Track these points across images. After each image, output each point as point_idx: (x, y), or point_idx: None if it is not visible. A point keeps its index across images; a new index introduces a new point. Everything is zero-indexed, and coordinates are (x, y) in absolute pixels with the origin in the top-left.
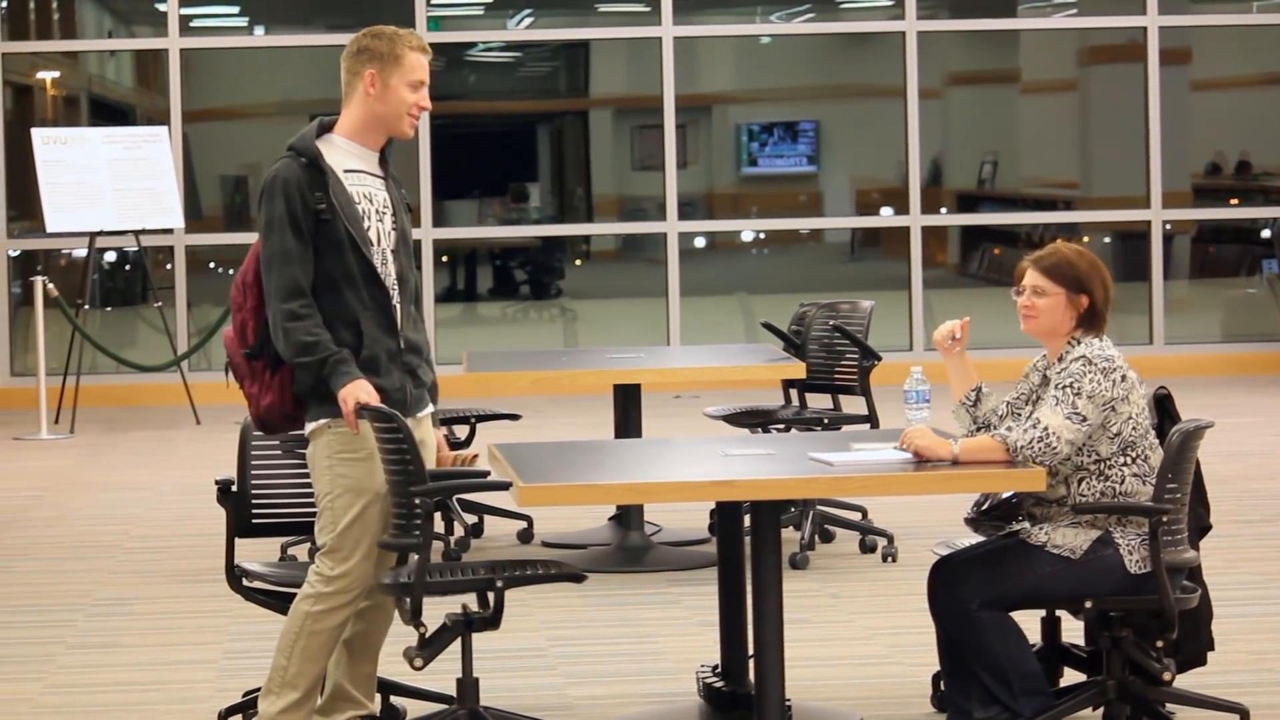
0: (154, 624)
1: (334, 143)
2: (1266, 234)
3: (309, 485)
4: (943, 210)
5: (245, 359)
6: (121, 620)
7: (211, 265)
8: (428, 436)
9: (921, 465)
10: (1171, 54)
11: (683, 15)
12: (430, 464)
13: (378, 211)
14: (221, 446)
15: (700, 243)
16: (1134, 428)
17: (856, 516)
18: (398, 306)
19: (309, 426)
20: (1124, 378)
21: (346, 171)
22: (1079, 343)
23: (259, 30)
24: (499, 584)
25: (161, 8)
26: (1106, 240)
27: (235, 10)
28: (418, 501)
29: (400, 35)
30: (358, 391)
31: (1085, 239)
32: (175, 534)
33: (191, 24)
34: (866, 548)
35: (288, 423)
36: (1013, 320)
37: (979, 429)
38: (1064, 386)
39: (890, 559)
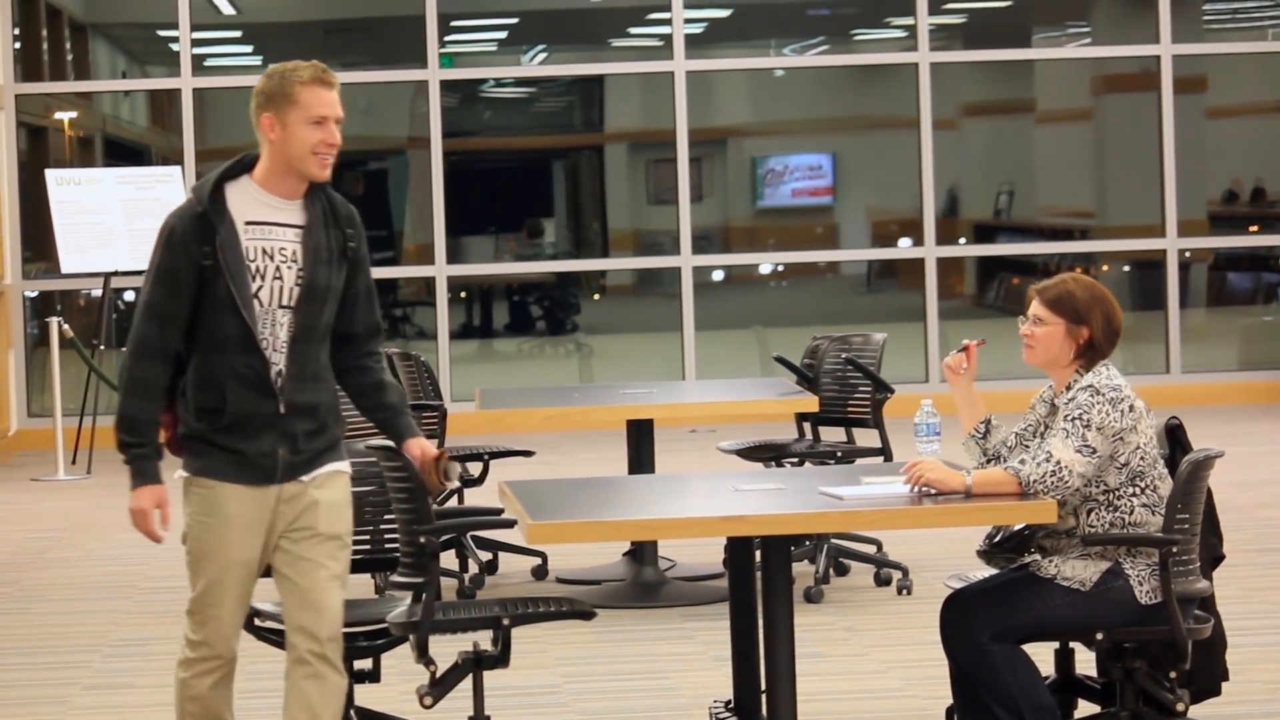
0: (169, 665)
1: (246, 189)
2: None
3: None
4: (960, 241)
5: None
6: (137, 661)
7: None
8: (327, 495)
9: (932, 498)
10: (1186, 82)
11: (696, 49)
12: (333, 523)
13: (277, 267)
14: None
15: (718, 276)
16: (1142, 458)
17: (871, 550)
18: (280, 370)
19: (179, 474)
20: (1131, 408)
21: (248, 223)
22: (1084, 373)
23: None
24: (506, 621)
25: (175, 48)
26: (1126, 269)
27: (249, 49)
28: (423, 540)
29: (291, 70)
30: (144, 502)
31: (1105, 268)
32: None
33: (205, 63)
34: (881, 581)
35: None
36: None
37: (989, 461)
38: (1073, 418)
39: (905, 592)
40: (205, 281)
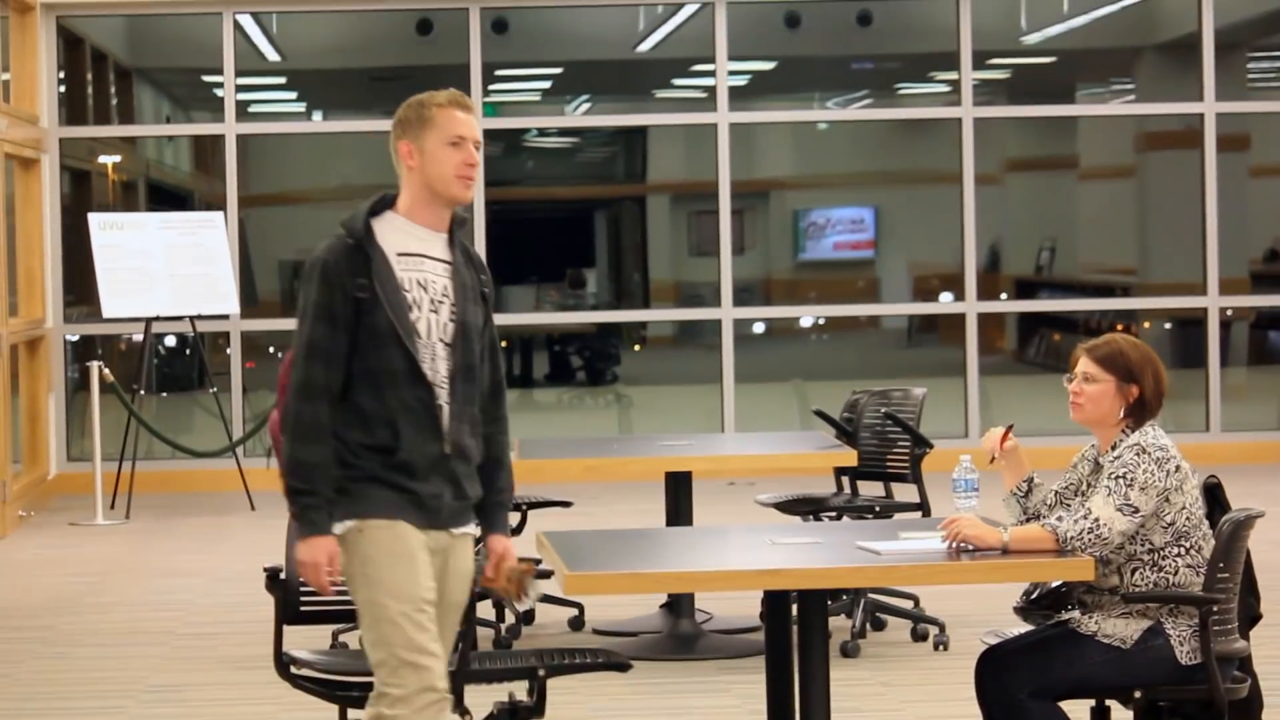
0: (206, 711)
1: (392, 222)
2: None
3: None
4: (1003, 296)
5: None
6: (174, 707)
7: (271, 350)
8: (461, 562)
9: (969, 554)
10: (1229, 140)
11: (739, 101)
12: (461, 590)
13: (432, 300)
14: (276, 533)
15: (759, 329)
16: (1188, 518)
17: (908, 604)
18: (444, 407)
19: (339, 527)
20: (1178, 468)
21: (400, 255)
22: (1131, 431)
23: (316, 115)
24: (542, 672)
25: (219, 93)
26: (1167, 326)
27: (293, 96)
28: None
29: (427, 97)
30: (317, 555)
31: (1147, 324)
32: (228, 620)
33: (249, 109)
34: (918, 636)
35: None
36: (1068, 407)
37: (1028, 519)
38: (1118, 477)
39: (942, 647)
40: (362, 314)
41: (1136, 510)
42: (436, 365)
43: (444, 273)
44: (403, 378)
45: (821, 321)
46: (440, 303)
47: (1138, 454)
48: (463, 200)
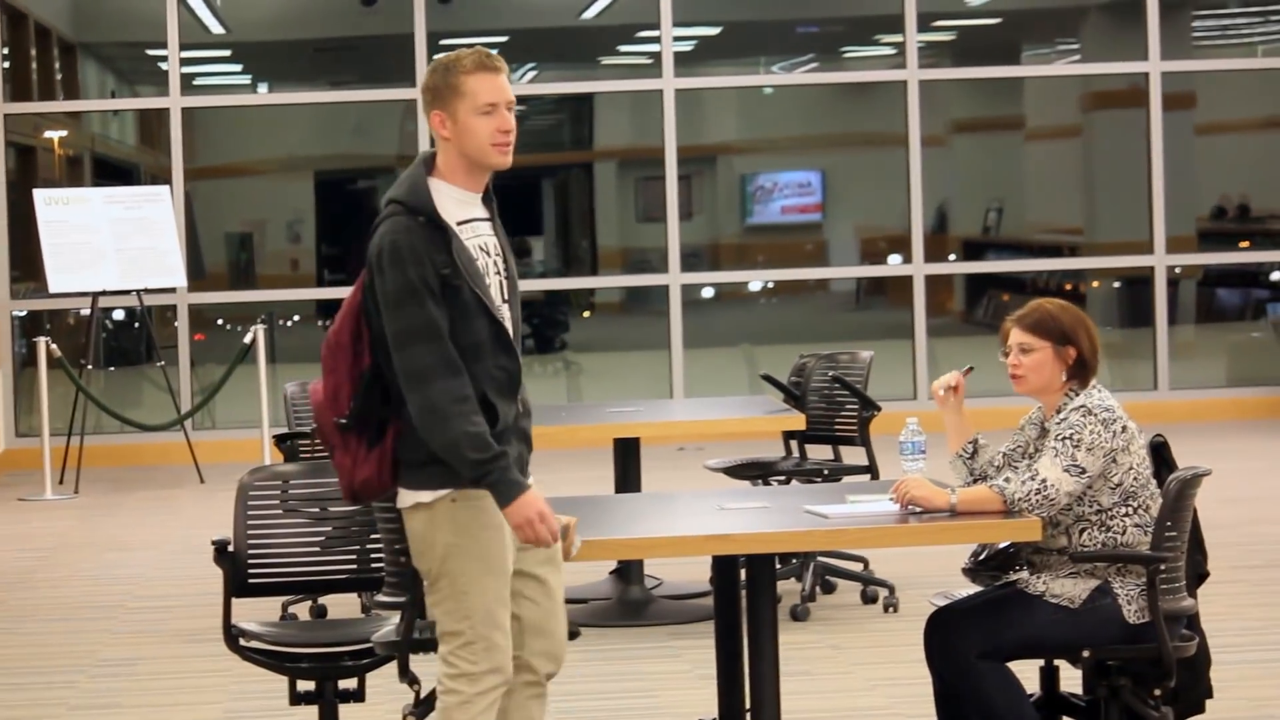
0: (156, 684)
1: (442, 191)
2: (1276, 276)
3: (308, 543)
4: (950, 258)
5: (337, 428)
6: (124, 681)
7: (219, 322)
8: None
9: (917, 516)
10: (1175, 99)
11: (685, 67)
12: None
13: (495, 264)
14: (225, 505)
15: (707, 293)
16: (1135, 478)
17: (858, 567)
18: (521, 370)
19: (426, 497)
20: (1124, 428)
21: (460, 224)
22: (1076, 394)
23: (262, 88)
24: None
25: (164, 67)
26: (1116, 285)
27: (238, 69)
28: (403, 560)
29: (454, 61)
30: (540, 504)
31: (1096, 284)
32: (178, 594)
33: (194, 82)
34: (868, 598)
35: (379, 498)
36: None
37: (975, 480)
38: (1064, 438)
39: (892, 609)
40: (446, 291)
41: (1084, 471)
42: (511, 328)
43: (489, 230)
44: (489, 347)
45: (770, 285)
46: (497, 263)
47: (1083, 415)
48: (502, 167)
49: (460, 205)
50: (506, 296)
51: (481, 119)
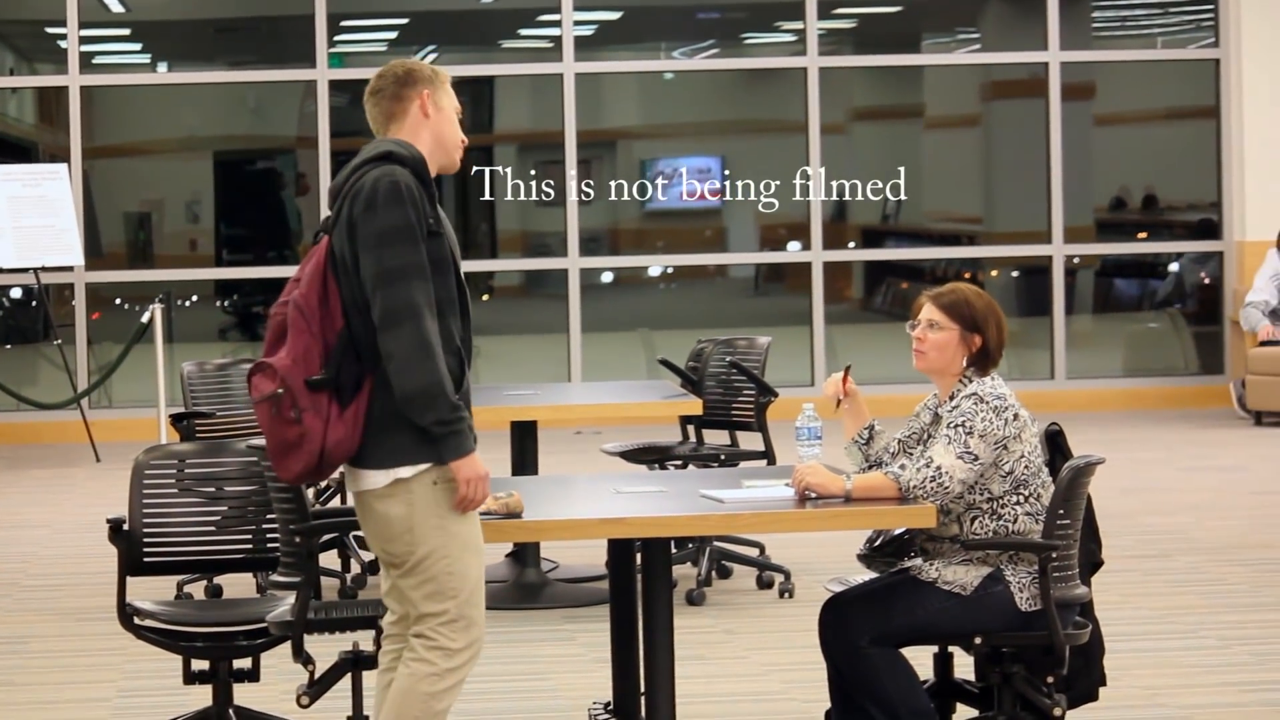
0: (49, 663)
1: None
2: (1174, 268)
3: (202, 522)
4: (850, 245)
5: (308, 388)
6: (17, 659)
7: (117, 301)
8: None
9: (813, 502)
10: (1075, 89)
11: (585, 51)
12: None
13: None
14: (121, 484)
15: (607, 278)
16: (1026, 466)
17: (754, 553)
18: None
19: (405, 471)
20: (1016, 416)
21: None
22: (970, 381)
23: (161, 67)
24: (380, 621)
25: (63, 45)
26: (1014, 274)
27: (137, 47)
28: (299, 539)
29: (433, 66)
30: (486, 471)
31: (994, 273)
32: (72, 572)
33: (93, 61)
34: (763, 584)
35: (343, 463)
36: (911, 355)
37: (871, 467)
38: (956, 425)
39: (787, 595)
40: (431, 240)
41: (976, 458)
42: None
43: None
44: (458, 307)
45: (669, 271)
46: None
47: (975, 403)
48: (454, 169)
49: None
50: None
51: (455, 120)
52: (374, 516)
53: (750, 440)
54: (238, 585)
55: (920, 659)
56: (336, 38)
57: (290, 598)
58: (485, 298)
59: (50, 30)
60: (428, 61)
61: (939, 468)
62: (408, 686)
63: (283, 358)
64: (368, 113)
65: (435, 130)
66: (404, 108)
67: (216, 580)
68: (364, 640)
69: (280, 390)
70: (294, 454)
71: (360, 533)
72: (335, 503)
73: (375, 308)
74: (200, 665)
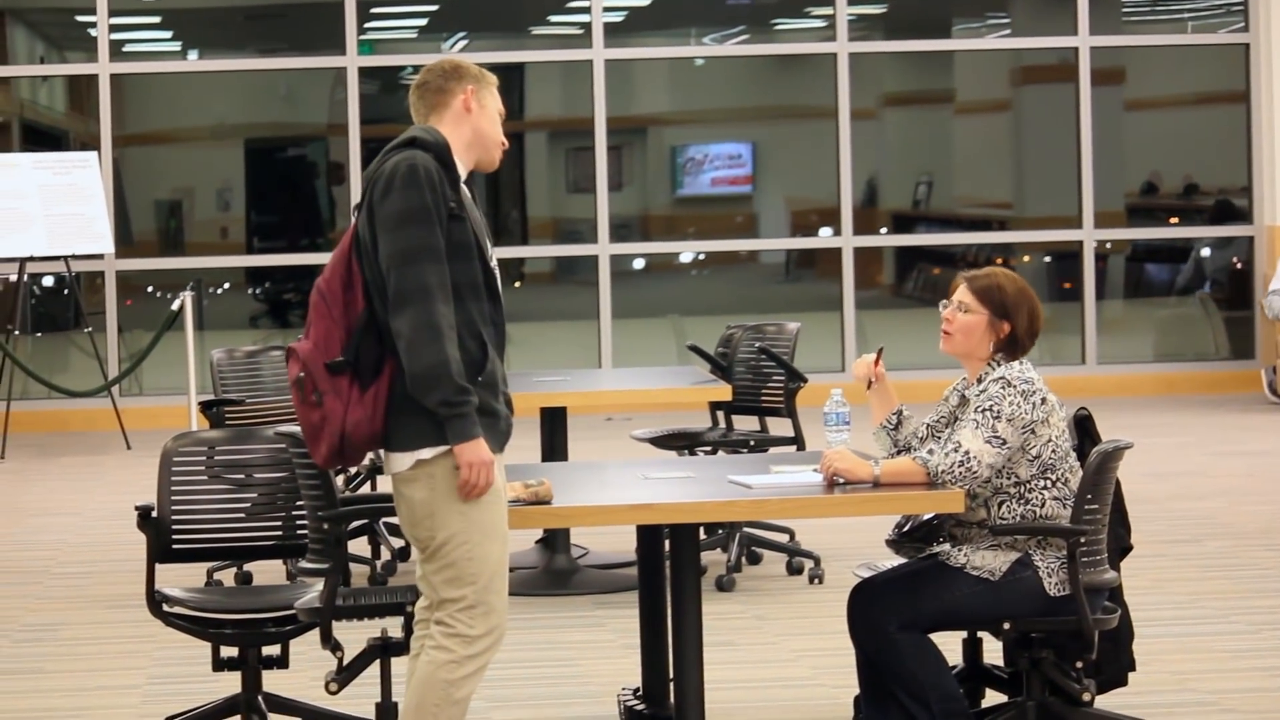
0: (79, 650)
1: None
2: (1206, 253)
3: (231, 509)
4: (882, 231)
5: (328, 371)
6: (47, 646)
7: (149, 289)
8: (503, 475)
9: (841, 487)
10: (1105, 74)
11: (616, 38)
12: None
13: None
14: (151, 472)
15: (638, 264)
16: (1054, 450)
17: (784, 538)
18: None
19: (427, 453)
20: (1044, 400)
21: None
22: (998, 365)
23: (192, 55)
24: (409, 608)
25: (93, 33)
26: (1046, 259)
27: (168, 35)
28: (327, 526)
29: (484, 71)
30: (490, 459)
31: (1026, 258)
32: (103, 559)
33: (124, 49)
34: (793, 570)
35: (369, 447)
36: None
37: (899, 451)
38: (983, 409)
39: (817, 581)
40: (452, 226)
41: (1004, 442)
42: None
43: (473, 205)
44: (483, 291)
45: (700, 257)
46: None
47: (1003, 387)
48: (491, 167)
49: (461, 169)
50: (493, 263)
51: (498, 119)
52: (401, 500)
53: (780, 426)
54: (268, 572)
55: (949, 644)
56: (367, 25)
57: (319, 584)
58: (517, 285)
59: (80, 18)
60: (459, 50)
61: (967, 452)
62: (428, 674)
63: (304, 342)
64: (411, 105)
65: (476, 126)
66: (446, 100)
67: (246, 567)
68: (393, 627)
69: (302, 374)
70: (319, 437)
71: (390, 519)
72: (366, 489)
73: (389, 289)
74: (229, 652)
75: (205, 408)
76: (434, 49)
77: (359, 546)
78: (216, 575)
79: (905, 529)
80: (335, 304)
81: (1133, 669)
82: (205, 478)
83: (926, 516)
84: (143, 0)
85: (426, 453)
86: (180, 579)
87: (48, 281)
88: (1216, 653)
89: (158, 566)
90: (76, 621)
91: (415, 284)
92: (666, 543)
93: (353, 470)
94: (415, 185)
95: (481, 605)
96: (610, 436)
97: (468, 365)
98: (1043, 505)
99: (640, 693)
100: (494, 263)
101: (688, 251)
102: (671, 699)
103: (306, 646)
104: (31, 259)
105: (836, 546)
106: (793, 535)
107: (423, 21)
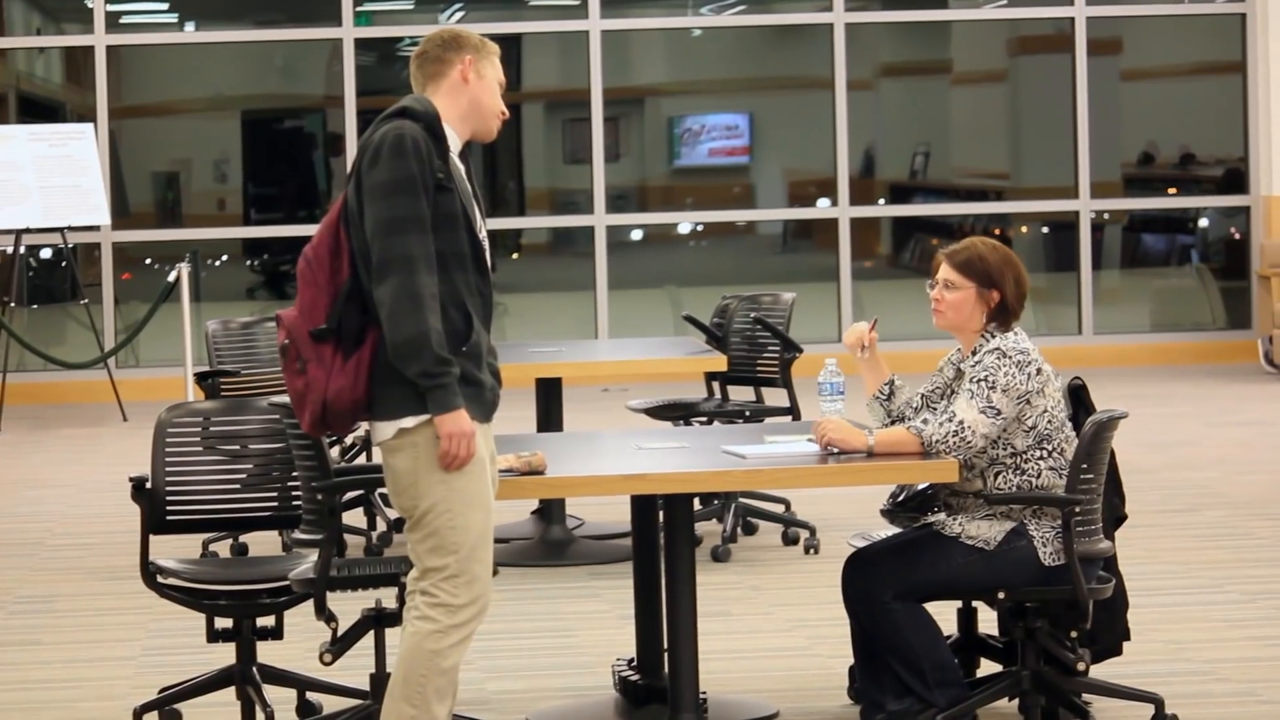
0: (75, 621)
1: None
2: (1203, 223)
3: (226, 480)
4: (880, 201)
5: (311, 339)
6: (43, 618)
7: (147, 261)
8: (492, 445)
9: (835, 457)
10: (1101, 44)
11: (612, 9)
12: (496, 478)
13: (475, 197)
14: (147, 444)
15: (636, 235)
16: (1049, 421)
17: (779, 509)
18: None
19: (409, 422)
20: (1039, 370)
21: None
22: (993, 336)
23: (189, 26)
24: (403, 579)
25: (90, 4)
26: (1044, 230)
27: (164, 6)
28: (320, 497)
29: (484, 41)
30: (471, 430)
31: (1024, 229)
32: (99, 531)
33: (120, 20)
34: (789, 540)
35: (352, 415)
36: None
37: (893, 422)
38: (978, 380)
39: (812, 551)
40: (440, 196)
41: (999, 412)
42: (488, 256)
43: (465, 177)
44: (470, 262)
45: (697, 228)
46: (473, 204)
47: (998, 357)
48: (489, 137)
49: (454, 140)
50: (483, 236)
51: (497, 90)
52: (387, 469)
53: (775, 396)
54: (263, 543)
55: (944, 614)
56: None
57: (314, 555)
58: (514, 256)
59: None
60: (456, 21)
61: (961, 422)
62: (413, 645)
63: (290, 310)
64: (411, 74)
65: (474, 96)
66: (444, 70)
67: (242, 538)
68: (387, 598)
69: (287, 342)
70: (304, 404)
71: (384, 490)
72: (361, 460)
73: (373, 257)
74: (224, 623)
75: (200, 379)
76: (431, 20)
77: (354, 517)
78: (211, 547)
79: (900, 499)
80: (322, 271)
81: (1127, 638)
82: (200, 449)
83: (921, 486)
84: None
85: (409, 421)
86: (175, 550)
87: (44, 253)
88: (1211, 622)
89: (152, 538)
90: (72, 593)
91: (399, 253)
92: (661, 513)
93: (348, 441)
94: (402, 155)
95: (464, 574)
96: (606, 407)
97: (451, 336)
98: (1038, 475)
99: (635, 663)
100: (483, 234)
101: (685, 222)
102: (666, 669)
103: (301, 617)
104: (28, 231)
105: (831, 516)
106: (788, 505)
107: None
